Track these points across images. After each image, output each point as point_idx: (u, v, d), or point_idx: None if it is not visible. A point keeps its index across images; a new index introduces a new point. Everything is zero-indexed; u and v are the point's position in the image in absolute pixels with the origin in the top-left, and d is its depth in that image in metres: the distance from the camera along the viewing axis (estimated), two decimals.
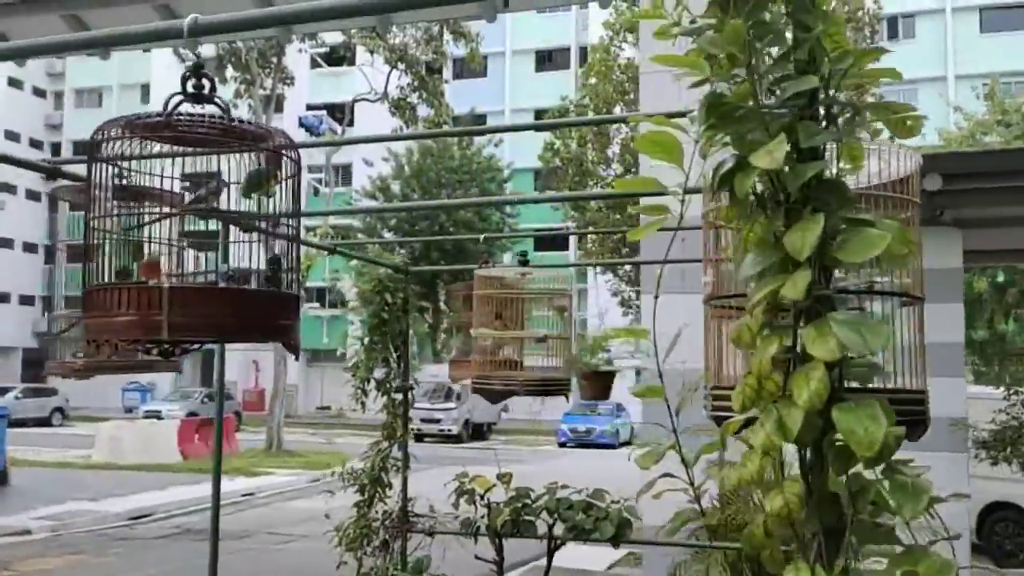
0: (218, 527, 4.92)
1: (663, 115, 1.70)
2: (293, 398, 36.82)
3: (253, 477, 20.43)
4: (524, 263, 3.99)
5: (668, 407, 2.72)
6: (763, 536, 1.60)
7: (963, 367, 7.91)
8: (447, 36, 24.45)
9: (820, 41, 1.53)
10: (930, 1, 38.94)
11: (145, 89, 46.29)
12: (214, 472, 4.89)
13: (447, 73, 30.06)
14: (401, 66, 24.13)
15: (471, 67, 31.58)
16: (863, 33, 14.67)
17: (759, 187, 1.58)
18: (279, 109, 25.92)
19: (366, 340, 6.11)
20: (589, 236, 16.68)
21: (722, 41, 1.49)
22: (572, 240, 33.99)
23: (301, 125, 36.66)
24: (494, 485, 5.50)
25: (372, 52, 23.89)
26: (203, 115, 2.07)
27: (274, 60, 25.03)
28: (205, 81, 2.10)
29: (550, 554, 5.55)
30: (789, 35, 1.59)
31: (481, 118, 36.11)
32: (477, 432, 33.02)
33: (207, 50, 26.50)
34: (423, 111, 24.64)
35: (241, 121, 2.05)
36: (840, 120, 1.55)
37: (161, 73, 42.97)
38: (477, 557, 5.54)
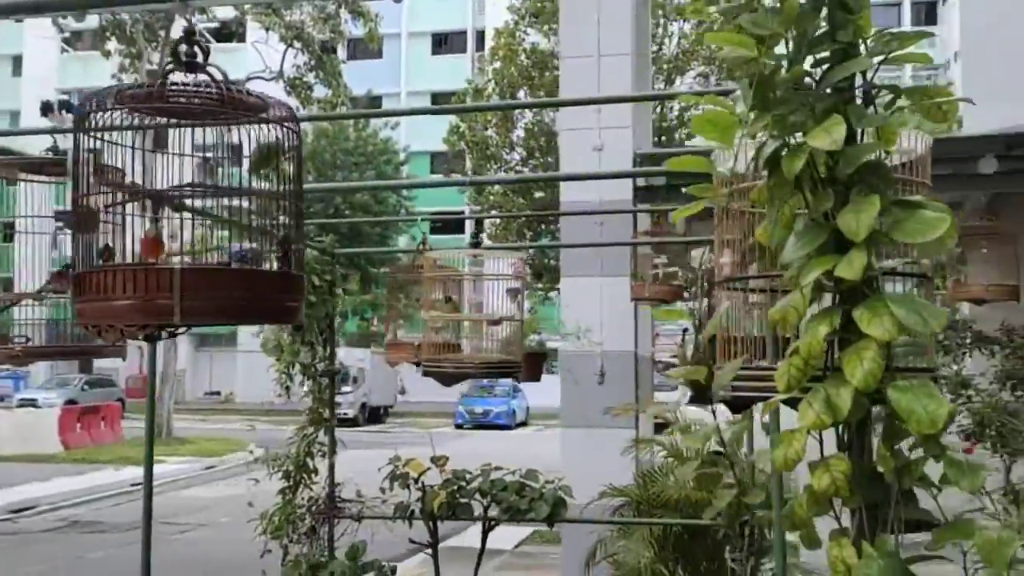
0: (151, 520, 4.70)
1: (712, 93, 1.69)
2: (181, 383, 35.57)
3: (143, 466, 19.67)
4: (476, 244, 3.95)
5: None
6: (804, 514, 1.62)
7: (934, 355, 8.23)
8: (344, 15, 23.96)
9: (859, 23, 1.55)
10: None
11: (17, 61, 43.69)
12: (145, 460, 4.67)
13: (341, 53, 29.47)
14: (297, 44, 23.50)
15: (366, 48, 31.07)
16: None
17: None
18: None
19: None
20: (491, 220, 16.74)
21: (771, 21, 1.49)
22: (468, 224, 34.00)
23: None
24: (428, 468, 5.46)
25: (268, 29, 23.16)
26: (197, 84, 1.95)
27: (162, 33, 23.97)
28: (198, 49, 1.98)
29: (484, 535, 5.56)
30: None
31: (377, 100, 35.60)
32: (374, 415, 32.70)
33: (89, 21, 25.19)
34: (320, 91, 24.08)
35: (240, 90, 1.95)
36: (877, 103, 1.58)
37: (34, 44, 40.67)
38: (412, 541, 5.50)
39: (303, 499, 6.05)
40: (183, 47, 1.97)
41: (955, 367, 7.45)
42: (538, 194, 15.41)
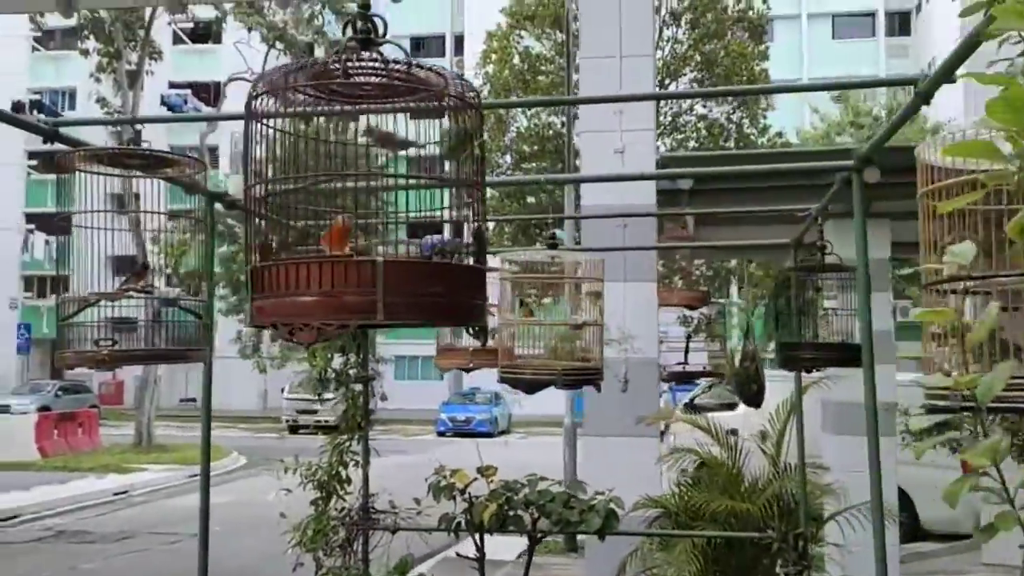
0: (208, 529, 4.47)
1: (998, 75, 1.55)
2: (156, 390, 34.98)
3: (125, 474, 19.25)
4: (553, 246, 3.79)
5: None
6: None
7: (894, 354, 8.22)
8: (328, 16, 23.66)
9: None
10: (787, 8, 40.70)
11: None
12: (202, 460, 4.43)
13: (319, 54, 29.13)
14: (280, 45, 23.16)
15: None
16: (756, 32, 15.15)
17: None
18: (131, 86, 24.31)
19: None
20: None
21: None
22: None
23: (163, 103, 34.71)
24: (475, 479, 5.28)
25: (250, 29, 22.78)
26: (371, 61, 1.78)
27: (141, 33, 23.52)
28: (371, 25, 1.81)
29: (531, 549, 5.39)
30: None
31: None
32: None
33: (64, 19, 24.64)
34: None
35: (419, 66, 1.78)
36: None
37: (3, 42, 39.76)
38: (459, 555, 5.31)
39: (335, 510, 5.84)
40: (358, 23, 1.80)
41: None
42: (530, 199, 15.30)
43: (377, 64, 1.78)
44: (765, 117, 15.72)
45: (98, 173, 3.07)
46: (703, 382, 15.53)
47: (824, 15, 41.72)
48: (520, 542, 12.32)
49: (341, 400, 5.89)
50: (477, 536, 5.23)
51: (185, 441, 26.08)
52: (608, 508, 5.15)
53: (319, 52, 27.41)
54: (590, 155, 8.10)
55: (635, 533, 6.11)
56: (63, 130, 3.14)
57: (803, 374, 5.72)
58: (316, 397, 5.88)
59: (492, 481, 5.20)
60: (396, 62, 1.78)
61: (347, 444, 5.85)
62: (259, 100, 1.87)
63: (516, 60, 15.42)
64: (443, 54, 41.36)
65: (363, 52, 1.80)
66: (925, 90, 2.56)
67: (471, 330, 1.80)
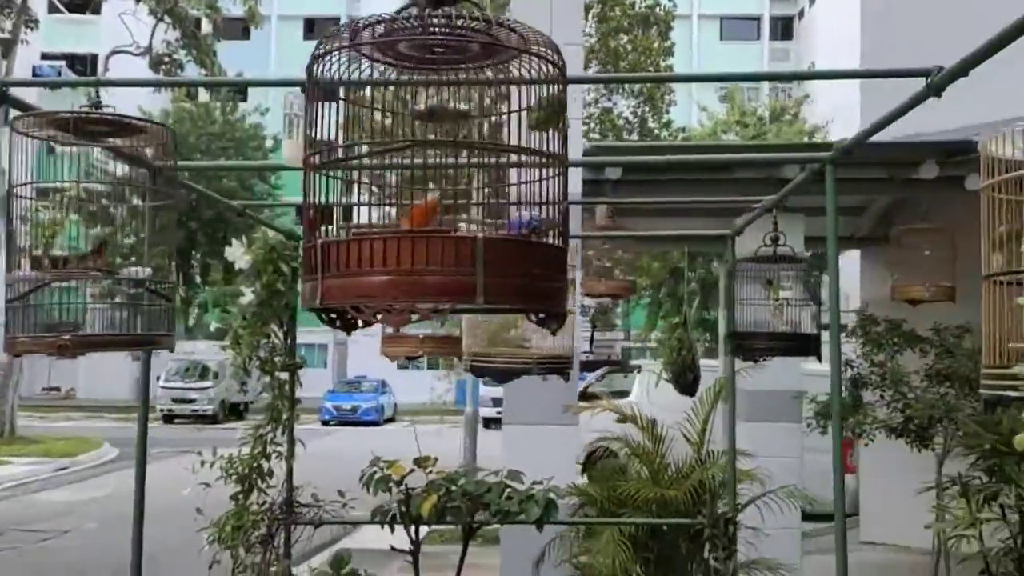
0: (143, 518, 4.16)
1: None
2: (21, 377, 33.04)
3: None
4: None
5: None
6: None
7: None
8: None
9: None
10: (681, 7, 41.76)
11: None
12: (138, 457, 4.10)
13: (207, 31, 28.01)
14: (168, 20, 22.09)
15: (235, 28, 29.72)
16: (659, 29, 15.37)
17: None
18: (5, 56, 22.71)
19: (249, 314, 5.45)
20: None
21: None
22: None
23: (35, 76, 32.65)
24: (412, 471, 5.12)
25: (138, 1, 21.63)
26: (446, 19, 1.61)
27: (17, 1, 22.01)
28: None
29: (466, 541, 5.26)
30: None
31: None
32: (234, 411, 31.38)
33: None
34: (192, 70, 22.72)
35: (499, 23, 1.62)
36: None
37: None
38: (393, 548, 5.14)
39: (257, 504, 5.56)
40: None
41: (888, 364, 7.71)
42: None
43: (461, 22, 1.61)
44: (668, 112, 15.99)
45: (56, 141, 2.77)
46: (601, 371, 15.72)
47: (713, 17, 42.97)
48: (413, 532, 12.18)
49: (266, 389, 5.61)
50: (413, 528, 5.06)
51: (49, 432, 24.74)
52: (548, 497, 5.07)
53: (207, 28, 26.35)
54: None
55: (568, 522, 6.07)
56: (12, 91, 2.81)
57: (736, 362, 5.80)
58: (241, 384, 5.57)
59: (431, 472, 5.04)
60: (475, 19, 1.62)
61: (271, 435, 5.57)
62: (323, 61, 1.69)
63: None
64: None
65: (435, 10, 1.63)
66: (938, 84, 2.57)
67: (535, 317, 1.66)
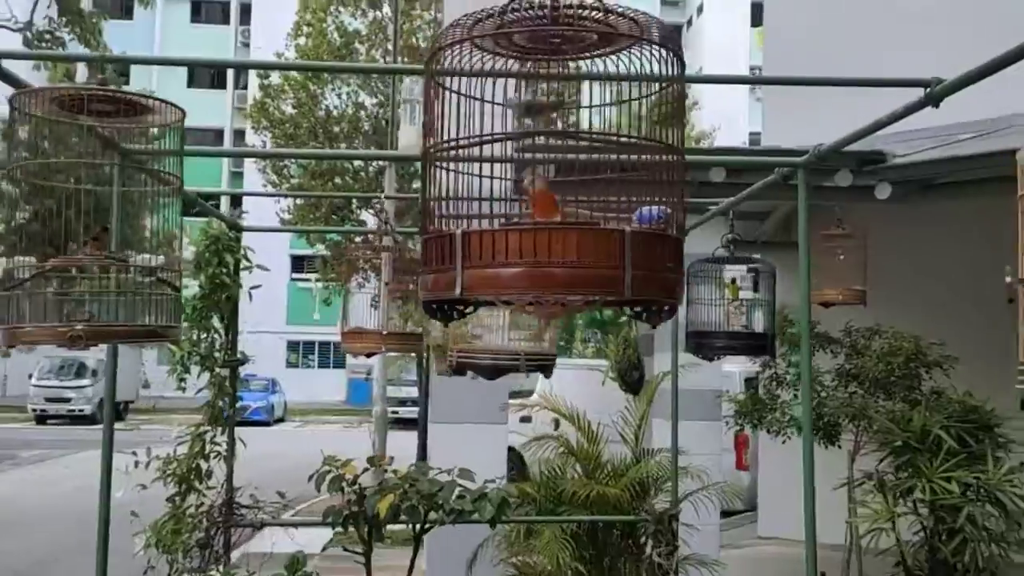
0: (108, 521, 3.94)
1: None
2: None
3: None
4: None
5: None
6: None
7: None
8: None
9: None
10: None
11: None
12: (103, 463, 3.88)
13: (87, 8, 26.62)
14: None
15: (117, 7, 28.41)
16: None
17: None
18: None
19: (190, 308, 5.24)
20: (292, 203, 15.57)
21: None
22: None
23: None
24: (366, 470, 5.03)
25: None
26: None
27: None
28: None
29: (417, 542, 5.21)
30: None
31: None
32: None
33: None
34: (74, 48, 21.52)
35: (617, 12, 1.60)
36: None
37: None
38: (346, 549, 5.04)
39: (195, 507, 5.36)
40: None
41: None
42: (338, 180, 14.80)
43: (583, 10, 1.59)
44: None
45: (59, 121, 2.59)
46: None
47: None
48: (324, 535, 11.98)
49: (207, 386, 5.41)
50: (366, 529, 4.97)
51: None
52: (501, 496, 5.07)
53: (86, 3, 25.00)
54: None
55: (516, 520, 6.07)
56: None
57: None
58: (179, 383, 5.34)
59: (386, 471, 4.97)
60: (593, 8, 1.60)
61: (211, 435, 5.38)
62: (444, 53, 1.64)
63: (335, 36, 14.85)
64: (227, 21, 39.21)
65: None
66: (937, 95, 2.70)
67: (634, 310, 1.66)
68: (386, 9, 14.80)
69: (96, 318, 2.32)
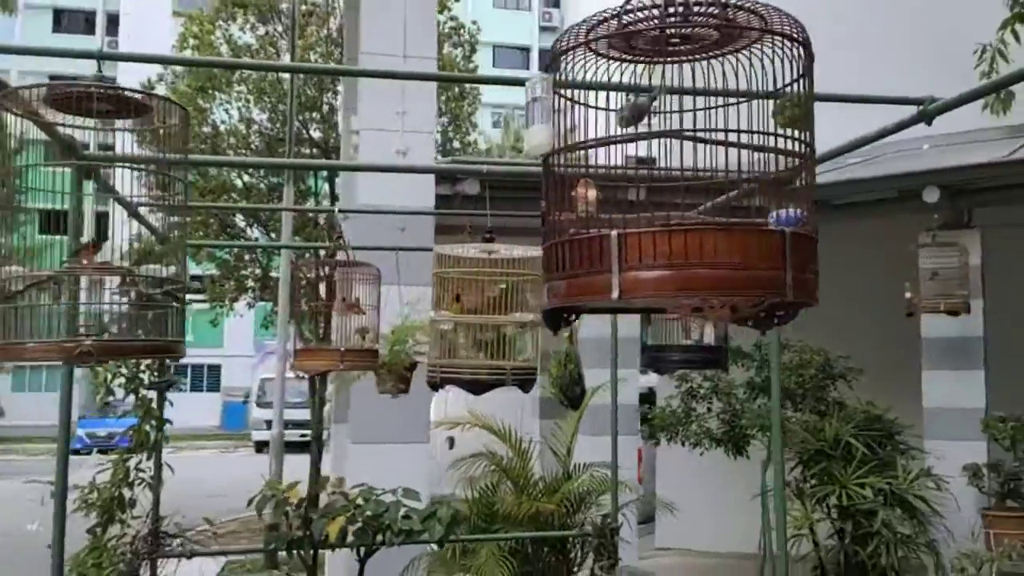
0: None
1: None
2: None
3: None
4: (490, 239, 3.60)
5: None
6: None
7: (637, 360, 8.84)
8: None
9: None
10: None
11: None
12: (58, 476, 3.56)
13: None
14: None
15: None
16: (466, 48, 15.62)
17: None
18: None
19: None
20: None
21: None
22: None
23: None
24: (313, 495, 4.84)
25: None
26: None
27: None
28: None
29: (363, 565, 5.04)
30: None
31: None
32: None
33: None
34: None
35: (738, 6, 1.57)
36: None
37: None
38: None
39: (116, 538, 5.03)
40: None
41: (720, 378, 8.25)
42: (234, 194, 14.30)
43: (703, 8, 1.56)
44: (471, 131, 16.25)
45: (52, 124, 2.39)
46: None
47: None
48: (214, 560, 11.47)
49: (133, 410, 5.10)
50: (311, 553, 4.78)
51: None
52: (451, 515, 4.98)
53: None
54: (369, 155, 7.80)
55: (458, 539, 5.95)
56: None
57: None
58: (103, 406, 5.00)
59: (332, 495, 4.79)
60: (711, 4, 1.57)
61: (136, 462, 5.07)
62: (567, 57, 1.58)
63: (224, 48, 14.35)
64: (92, 31, 37.38)
65: None
66: (930, 114, 2.82)
67: (762, 315, 1.63)
68: (279, 25, 14.41)
69: (106, 333, 2.13)
